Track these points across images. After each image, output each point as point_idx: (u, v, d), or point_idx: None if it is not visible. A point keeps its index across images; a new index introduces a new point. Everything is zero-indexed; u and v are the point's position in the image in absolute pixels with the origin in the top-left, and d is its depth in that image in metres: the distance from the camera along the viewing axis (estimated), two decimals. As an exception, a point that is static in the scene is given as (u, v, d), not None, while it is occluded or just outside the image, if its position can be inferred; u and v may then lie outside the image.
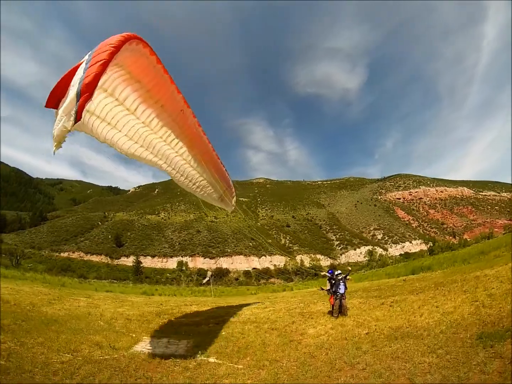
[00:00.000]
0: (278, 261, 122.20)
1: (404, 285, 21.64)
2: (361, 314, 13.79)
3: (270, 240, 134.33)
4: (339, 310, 14.24)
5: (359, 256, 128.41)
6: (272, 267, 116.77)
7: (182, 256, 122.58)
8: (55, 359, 8.17)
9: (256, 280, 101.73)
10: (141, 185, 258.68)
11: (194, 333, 12.38)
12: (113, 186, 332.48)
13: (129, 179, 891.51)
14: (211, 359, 8.80)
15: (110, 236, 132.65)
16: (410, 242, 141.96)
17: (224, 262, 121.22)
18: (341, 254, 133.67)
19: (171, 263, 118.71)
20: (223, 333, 12.25)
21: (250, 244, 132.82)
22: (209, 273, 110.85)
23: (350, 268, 16.92)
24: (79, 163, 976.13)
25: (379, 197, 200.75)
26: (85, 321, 13.68)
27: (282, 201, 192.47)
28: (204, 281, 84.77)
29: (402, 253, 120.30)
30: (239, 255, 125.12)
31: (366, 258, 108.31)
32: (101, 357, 8.85)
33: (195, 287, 60.78)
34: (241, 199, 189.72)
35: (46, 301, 18.65)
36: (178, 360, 8.70)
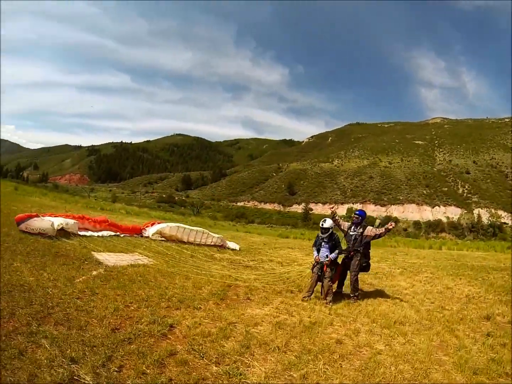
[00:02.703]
0: (452, 213, 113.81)
1: None
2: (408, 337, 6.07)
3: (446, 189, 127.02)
4: (313, 287, 8.19)
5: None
6: (444, 220, 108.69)
7: (352, 203, 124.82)
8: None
9: (425, 233, 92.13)
10: (314, 135, 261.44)
11: (176, 266, 9.87)
12: (287, 139, 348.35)
13: (303, 130, 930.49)
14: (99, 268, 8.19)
15: (283, 185, 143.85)
16: None
17: (395, 211, 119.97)
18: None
19: (341, 210, 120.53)
20: (190, 276, 8.92)
21: (424, 192, 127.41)
22: (377, 221, 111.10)
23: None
24: (251, 122, 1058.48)
25: None
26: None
27: (462, 143, 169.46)
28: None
29: None
30: (411, 203, 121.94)
31: None
32: (64, 247, 9.80)
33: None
34: (417, 142, 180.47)
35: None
36: (96, 265, 8.45)
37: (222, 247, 14.41)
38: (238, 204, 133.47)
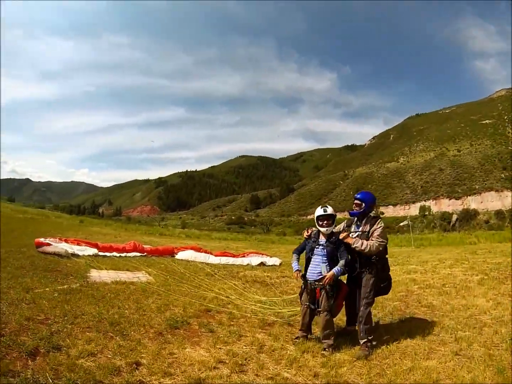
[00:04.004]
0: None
1: None
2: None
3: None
4: (307, 325, 5.14)
5: None
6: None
7: (425, 200, 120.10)
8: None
9: (510, 223, 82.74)
10: (375, 136, 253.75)
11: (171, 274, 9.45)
12: (350, 144, 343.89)
13: (363, 132, 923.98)
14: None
15: (351, 192, 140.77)
16: None
17: (473, 202, 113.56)
18: None
19: (414, 209, 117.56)
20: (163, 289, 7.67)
21: (502, 175, 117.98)
22: (454, 216, 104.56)
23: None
24: (312, 133, 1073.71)
25: None
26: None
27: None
28: (402, 224, 76.44)
29: None
30: (489, 191, 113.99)
31: None
32: (65, 264, 9.65)
33: (428, 234, 50.72)
34: (484, 121, 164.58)
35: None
36: (77, 280, 7.78)
37: (260, 264, 13.46)
38: (309, 217, 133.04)
